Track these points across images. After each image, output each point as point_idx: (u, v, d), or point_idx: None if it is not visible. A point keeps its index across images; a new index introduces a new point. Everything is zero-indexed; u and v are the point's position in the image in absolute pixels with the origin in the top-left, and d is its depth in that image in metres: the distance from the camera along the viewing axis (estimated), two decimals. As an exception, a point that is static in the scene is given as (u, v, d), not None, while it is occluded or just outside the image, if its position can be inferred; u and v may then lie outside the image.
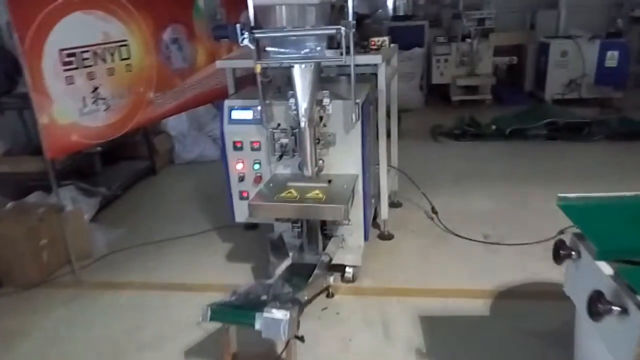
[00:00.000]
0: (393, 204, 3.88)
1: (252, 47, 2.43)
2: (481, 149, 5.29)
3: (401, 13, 7.81)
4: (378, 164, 3.25)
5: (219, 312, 2.12)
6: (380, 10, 7.87)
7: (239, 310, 2.13)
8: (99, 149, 4.08)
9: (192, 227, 3.82)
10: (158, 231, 3.80)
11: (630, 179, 4.19)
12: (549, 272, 2.91)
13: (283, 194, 2.57)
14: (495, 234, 3.43)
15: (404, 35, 6.83)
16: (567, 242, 1.68)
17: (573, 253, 1.63)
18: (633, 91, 7.05)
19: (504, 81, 7.52)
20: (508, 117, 5.87)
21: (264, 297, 2.21)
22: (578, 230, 1.64)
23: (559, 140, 5.31)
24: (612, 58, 6.59)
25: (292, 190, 2.60)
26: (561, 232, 3.37)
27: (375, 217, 3.46)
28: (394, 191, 3.91)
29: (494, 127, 5.66)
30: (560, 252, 1.66)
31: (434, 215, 3.68)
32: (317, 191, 2.57)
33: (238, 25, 2.40)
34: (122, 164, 5.02)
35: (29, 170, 3.49)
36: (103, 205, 4.17)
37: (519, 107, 6.56)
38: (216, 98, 3.87)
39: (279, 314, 1.99)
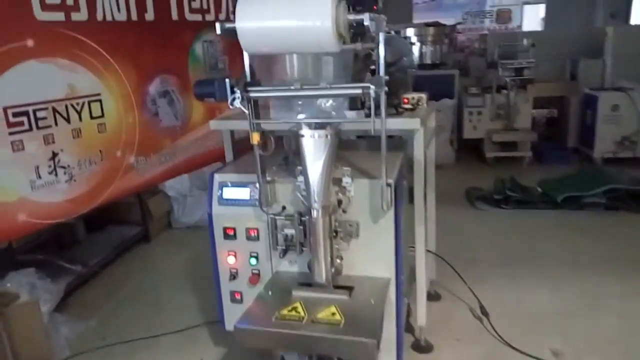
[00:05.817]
0: (429, 296, 3.08)
1: (246, 110, 1.77)
2: (529, 220, 4.48)
3: (428, 61, 7.20)
4: (412, 246, 2.53)
5: None
6: (404, 58, 7.25)
7: None
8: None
9: (180, 317, 3.08)
10: (137, 323, 3.07)
11: None
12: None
13: (285, 312, 1.83)
14: (567, 351, 2.59)
15: (432, 85, 6.12)
16: None
17: None
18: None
19: (541, 136, 6.77)
20: (556, 180, 5.06)
21: None
22: None
23: (622, 211, 4.48)
24: (671, 112, 5.82)
25: (298, 306, 1.86)
26: (659, 350, 2.55)
27: (407, 315, 2.68)
28: (430, 280, 3.12)
29: (539, 189, 4.90)
30: None
31: (483, 317, 2.87)
32: (333, 309, 1.83)
33: (227, 81, 1.76)
34: (111, 230, 4.36)
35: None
36: (76, 286, 3.47)
37: (562, 166, 5.88)
38: (214, 161, 3.20)
39: None
